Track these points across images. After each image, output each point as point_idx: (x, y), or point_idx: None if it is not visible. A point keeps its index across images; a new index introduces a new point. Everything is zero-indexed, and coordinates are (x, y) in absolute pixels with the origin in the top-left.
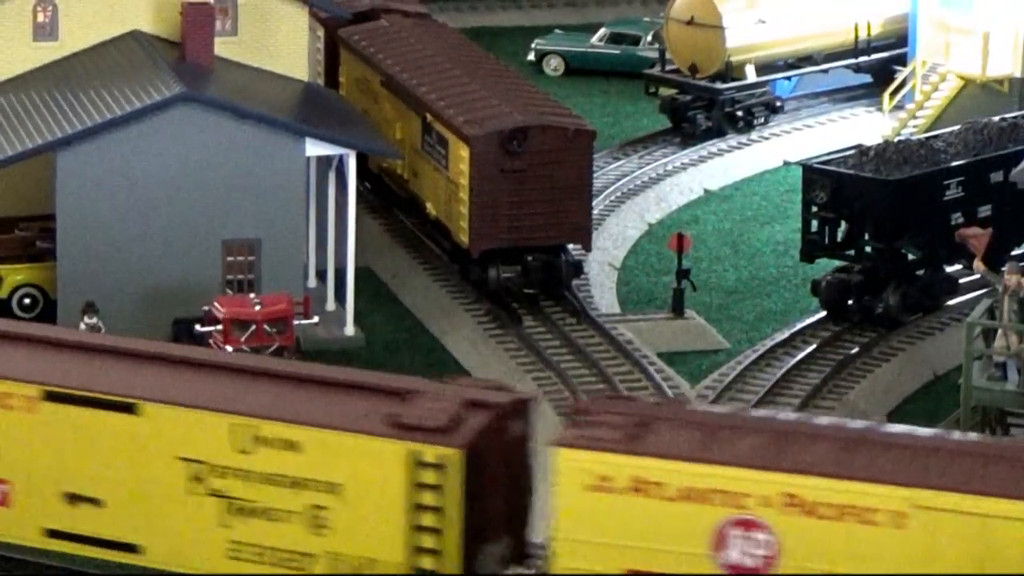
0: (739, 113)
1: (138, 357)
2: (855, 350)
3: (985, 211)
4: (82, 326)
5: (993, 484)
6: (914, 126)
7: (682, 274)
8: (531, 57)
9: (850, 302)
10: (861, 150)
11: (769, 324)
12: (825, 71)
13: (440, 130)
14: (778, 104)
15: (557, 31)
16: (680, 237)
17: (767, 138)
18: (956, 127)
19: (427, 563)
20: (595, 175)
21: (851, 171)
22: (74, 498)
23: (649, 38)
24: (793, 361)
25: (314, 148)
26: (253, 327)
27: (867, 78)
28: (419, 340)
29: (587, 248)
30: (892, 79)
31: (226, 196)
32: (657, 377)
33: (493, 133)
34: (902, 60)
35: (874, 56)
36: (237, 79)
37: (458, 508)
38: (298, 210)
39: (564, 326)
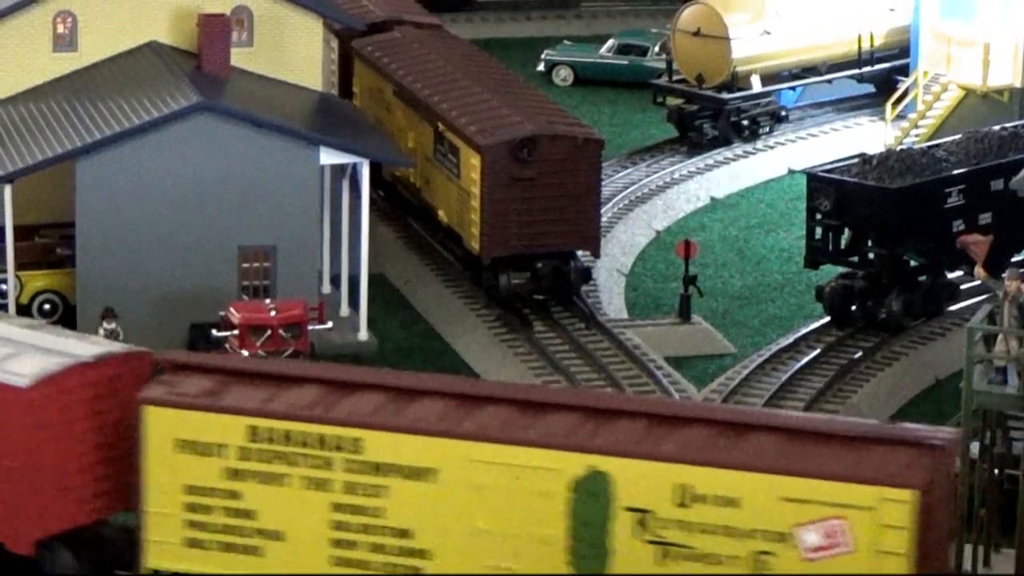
0: (745, 122)
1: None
2: (858, 355)
3: (986, 218)
4: (100, 331)
5: None
6: (916, 135)
7: (689, 280)
8: (541, 68)
9: (853, 308)
10: (864, 159)
11: (774, 329)
12: (829, 81)
13: (452, 139)
14: (783, 114)
15: (566, 42)
16: (687, 244)
17: (772, 147)
18: (957, 136)
19: None
20: (603, 183)
21: (854, 179)
22: None
23: (656, 49)
24: (798, 365)
25: (328, 157)
26: (268, 332)
27: (870, 88)
28: (431, 345)
29: (596, 255)
30: (895, 89)
31: (242, 203)
32: (664, 381)
33: (504, 142)
34: (904, 71)
35: (877, 67)
36: (253, 89)
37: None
38: (313, 217)
39: (573, 331)
